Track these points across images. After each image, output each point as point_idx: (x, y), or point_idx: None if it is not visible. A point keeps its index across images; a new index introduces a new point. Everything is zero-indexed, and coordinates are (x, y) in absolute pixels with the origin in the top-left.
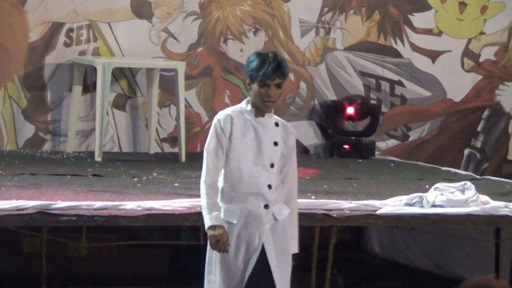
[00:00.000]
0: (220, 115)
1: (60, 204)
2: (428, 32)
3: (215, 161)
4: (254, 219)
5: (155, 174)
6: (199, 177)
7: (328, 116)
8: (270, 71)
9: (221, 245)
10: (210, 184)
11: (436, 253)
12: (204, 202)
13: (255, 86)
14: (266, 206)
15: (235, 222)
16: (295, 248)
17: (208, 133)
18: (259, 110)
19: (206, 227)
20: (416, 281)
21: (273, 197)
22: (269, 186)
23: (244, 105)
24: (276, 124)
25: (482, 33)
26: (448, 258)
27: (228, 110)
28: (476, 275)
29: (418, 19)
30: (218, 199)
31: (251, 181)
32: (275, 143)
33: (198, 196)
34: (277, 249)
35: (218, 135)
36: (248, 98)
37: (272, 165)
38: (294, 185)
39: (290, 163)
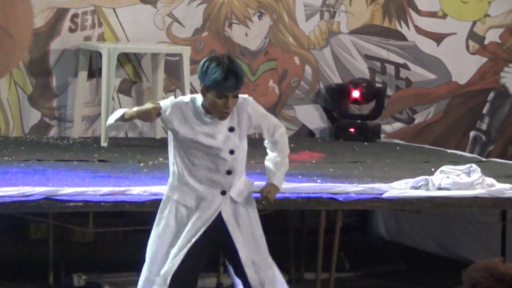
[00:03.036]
0: (173, 101)
1: (67, 190)
2: (433, 14)
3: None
4: (209, 204)
5: (161, 159)
6: None
7: (333, 100)
8: (232, 85)
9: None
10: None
11: (442, 236)
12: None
13: (210, 95)
14: (223, 193)
15: (189, 205)
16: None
17: None
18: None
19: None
20: (422, 264)
21: (232, 182)
22: (228, 172)
23: (194, 104)
24: (230, 130)
25: (487, 15)
26: (454, 240)
27: (180, 100)
28: (482, 258)
29: (423, 1)
30: (171, 180)
31: (206, 172)
32: (231, 129)
33: None
34: (241, 228)
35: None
36: (197, 97)
37: (232, 152)
38: (284, 141)
39: (267, 126)
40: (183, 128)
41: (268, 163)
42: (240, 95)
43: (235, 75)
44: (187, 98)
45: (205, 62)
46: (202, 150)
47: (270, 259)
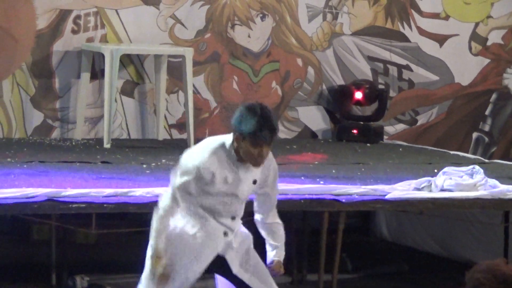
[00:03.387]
0: (200, 162)
1: (69, 191)
2: (435, 16)
3: (183, 198)
4: (210, 240)
5: (164, 160)
6: None
7: (336, 101)
8: (268, 136)
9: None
10: (167, 215)
11: (444, 237)
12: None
13: (246, 144)
14: (225, 234)
15: (191, 233)
16: (278, 256)
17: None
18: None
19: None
20: (424, 265)
21: (235, 227)
22: (233, 218)
23: (228, 148)
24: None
25: (489, 16)
26: (456, 242)
27: (208, 154)
28: (485, 259)
29: (425, 3)
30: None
31: (216, 212)
32: (254, 181)
33: None
34: (239, 256)
35: (195, 179)
36: (231, 141)
37: (243, 201)
38: (274, 207)
39: (272, 188)
40: (221, 174)
41: (272, 236)
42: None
43: (270, 127)
44: (215, 143)
45: (244, 113)
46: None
47: None
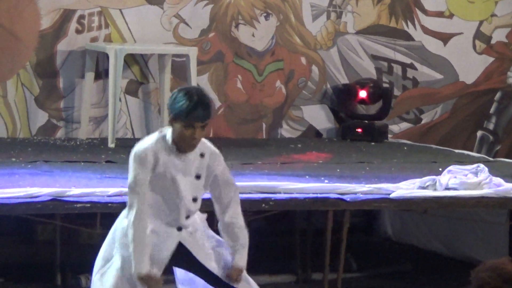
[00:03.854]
0: (141, 150)
1: (74, 191)
2: (439, 14)
3: (145, 198)
4: (163, 239)
5: None
6: None
7: (340, 100)
8: (200, 114)
9: None
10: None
11: (448, 236)
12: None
13: (178, 125)
14: (179, 229)
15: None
16: (242, 265)
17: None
18: (180, 148)
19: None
20: (428, 264)
21: (189, 222)
22: (187, 217)
23: (163, 141)
24: (202, 155)
25: (493, 15)
26: (460, 241)
27: (147, 145)
28: (489, 258)
29: (429, 1)
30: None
31: (165, 216)
32: (198, 176)
33: None
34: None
35: (142, 170)
36: (167, 132)
37: (195, 199)
38: (232, 204)
39: (224, 185)
40: (158, 168)
41: (231, 237)
42: (215, 148)
43: (204, 104)
44: (153, 137)
45: (176, 94)
46: (165, 191)
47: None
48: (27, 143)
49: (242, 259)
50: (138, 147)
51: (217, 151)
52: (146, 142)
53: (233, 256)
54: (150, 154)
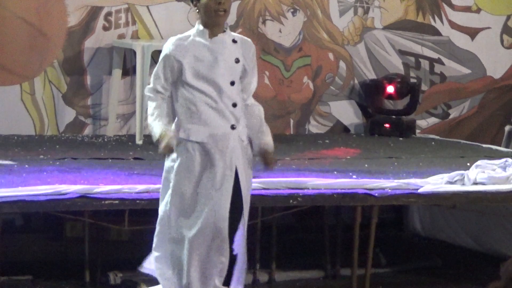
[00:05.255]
0: (170, 44)
1: (102, 188)
2: (467, 9)
3: (164, 85)
4: (223, 141)
5: None
6: None
7: (368, 95)
8: None
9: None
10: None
11: (477, 231)
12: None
13: (202, 1)
14: (233, 127)
15: (204, 141)
16: (271, 144)
17: None
18: (212, 29)
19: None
20: (457, 259)
21: (238, 115)
22: (234, 105)
23: (195, 30)
24: (234, 41)
25: None
26: (489, 235)
27: (177, 38)
28: None
29: None
30: (177, 122)
31: (213, 103)
32: (237, 60)
33: None
34: (246, 172)
35: (168, 67)
36: (198, 22)
37: (232, 83)
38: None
39: (251, 75)
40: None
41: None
42: (246, 37)
43: None
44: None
45: None
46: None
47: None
48: (55, 141)
49: (268, 139)
50: (164, 48)
51: (248, 39)
52: (171, 42)
53: (260, 139)
54: (176, 43)
